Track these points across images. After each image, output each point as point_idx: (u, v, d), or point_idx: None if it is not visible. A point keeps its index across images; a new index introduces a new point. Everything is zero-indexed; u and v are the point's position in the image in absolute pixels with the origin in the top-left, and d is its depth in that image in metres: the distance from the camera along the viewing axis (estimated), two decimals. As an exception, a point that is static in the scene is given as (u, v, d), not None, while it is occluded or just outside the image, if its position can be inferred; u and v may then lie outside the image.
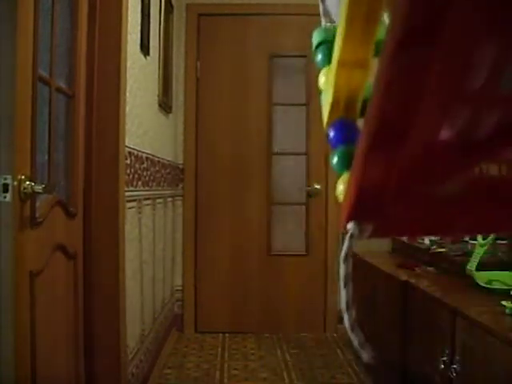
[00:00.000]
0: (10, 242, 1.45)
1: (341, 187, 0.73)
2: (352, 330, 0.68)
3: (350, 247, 0.75)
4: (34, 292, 1.58)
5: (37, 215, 1.60)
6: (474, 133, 0.58)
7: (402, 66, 0.51)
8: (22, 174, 1.49)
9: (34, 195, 1.55)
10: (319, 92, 0.85)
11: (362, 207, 0.65)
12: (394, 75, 0.51)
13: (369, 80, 0.73)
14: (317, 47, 0.89)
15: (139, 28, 2.60)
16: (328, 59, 0.85)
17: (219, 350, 3.54)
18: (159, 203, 3.23)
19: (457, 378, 1.87)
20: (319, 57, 0.87)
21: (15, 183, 1.46)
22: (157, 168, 3.09)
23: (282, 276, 3.93)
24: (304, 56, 3.67)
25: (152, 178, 2.95)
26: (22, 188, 1.48)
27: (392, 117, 0.54)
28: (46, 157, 1.76)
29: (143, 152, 2.71)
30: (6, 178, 1.44)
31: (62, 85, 1.91)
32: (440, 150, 0.58)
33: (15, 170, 1.46)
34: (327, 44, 0.86)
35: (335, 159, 0.76)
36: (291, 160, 3.94)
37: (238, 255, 3.94)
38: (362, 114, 0.78)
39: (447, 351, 1.96)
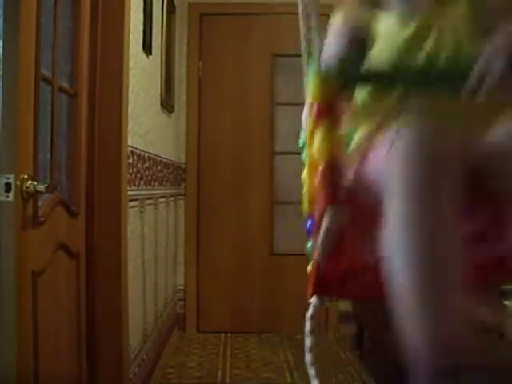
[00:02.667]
0: (12, 241, 1.45)
1: (309, 267, 1.03)
2: None
3: (313, 312, 1.12)
4: (36, 291, 1.58)
5: (39, 214, 1.60)
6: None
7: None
8: (25, 174, 1.49)
9: (36, 194, 1.55)
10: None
11: (319, 288, 1.02)
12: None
13: None
14: (302, 147, 1.09)
15: (141, 27, 2.60)
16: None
17: (221, 349, 3.54)
18: (161, 202, 3.23)
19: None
20: (303, 155, 1.08)
21: (18, 182, 1.46)
22: (159, 167, 3.09)
23: (285, 276, 3.93)
24: (306, 55, 3.67)
25: (154, 177, 2.95)
26: (24, 187, 1.48)
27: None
28: (49, 156, 1.76)
29: (145, 151, 2.71)
30: (8, 178, 1.44)
31: (65, 84, 1.91)
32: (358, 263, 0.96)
33: (18, 170, 1.46)
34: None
35: (309, 245, 1.03)
36: (293, 159, 3.93)
37: (240, 255, 3.94)
38: None
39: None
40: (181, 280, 3.93)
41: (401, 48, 0.96)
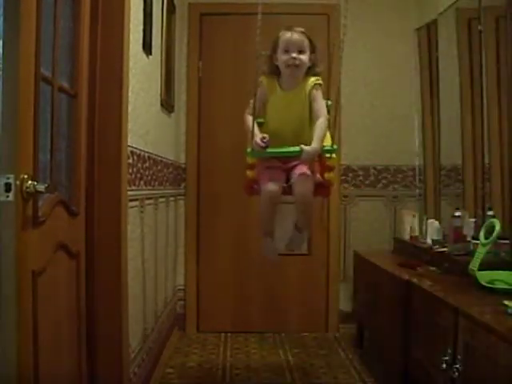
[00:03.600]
0: (12, 241, 1.45)
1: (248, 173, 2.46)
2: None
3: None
4: (36, 291, 1.58)
5: (39, 214, 1.60)
6: None
7: None
8: (25, 174, 1.49)
9: (36, 194, 1.55)
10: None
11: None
12: None
13: None
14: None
15: (141, 27, 2.60)
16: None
17: (221, 349, 3.54)
18: (161, 202, 3.23)
19: (459, 377, 1.87)
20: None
21: (18, 182, 1.46)
22: (159, 167, 3.09)
23: (284, 276, 3.93)
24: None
25: (154, 177, 2.96)
26: (24, 187, 1.48)
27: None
28: (49, 156, 1.76)
29: (145, 151, 2.71)
30: (8, 178, 1.44)
31: (65, 84, 1.91)
32: None
33: (18, 170, 1.47)
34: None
35: (248, 150, 2.38)
36: (293, 159, 3.93)
37: (240, 254, 3.94)
38: None
39: (449, 351, 1.96)
40: (181, 280, 3.93)
41: (280, 108, 2.30)
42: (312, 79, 2.26)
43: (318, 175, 2.28)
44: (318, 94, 2.26)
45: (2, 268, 1.44)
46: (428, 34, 3.72)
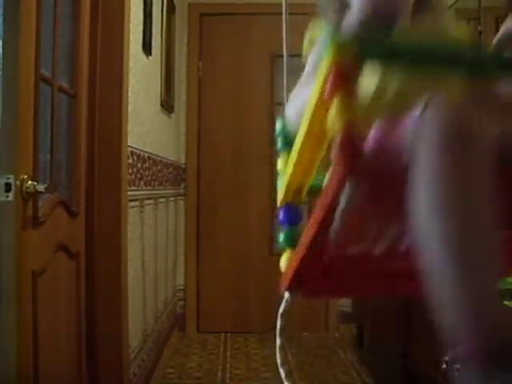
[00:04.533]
0: (12, 241, 1.45)
1: (283, 260, 1.05)
2: None
3: (285, 308, 1.14)
4: (36, 291, 1.58)
5: (39, 215, 1.60)
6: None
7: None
8: (25, 174, 1.49)
9: (36, 195, 1.55)
10: (277, 173, 1.13)
11: (295, 284, 1.02)
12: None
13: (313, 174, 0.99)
14: (278, 135, 1.15)
15: (141, 28, 2.60)
16: (285, 147, 1.11)
17: (221, 349, 3.54)
18: (161, 203, 3.23)
19: (459, 377, 1.87)
20: (279, 144, 1.14)
21: (18, 183, 1.46)
22: (159, 167, 3.09)
23: (284, 276, 3.92)
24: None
25: (154, 177, 2.95)
26: (24, 187, 1.48)
27: (318, 240, 0.86)
28: (49, 156, 1.76)
29: (145, 151, 2.71)
30: (8, 178, 1.44)
31: (65, 85, 1.91)
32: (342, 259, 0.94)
33: (18, 170, 1.47)
34: (285, 134, 1.12)
35: (281, 237, 1.07)
36: (293, 160, 3.93)
37: (240, 255, 3.94)
38: (306, 196, 1.07)
39: (450, 351, 1.96)
40: (181, 280, 3.93)
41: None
42: None
43: None
44: None
45: (2, 268, 1.44)
46: (428, 34, 3.71)
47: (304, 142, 0.89)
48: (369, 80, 0.75)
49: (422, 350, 2.31)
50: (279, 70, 3.94)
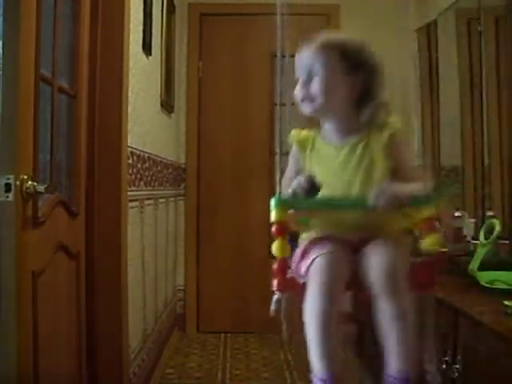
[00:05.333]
0: (12, 241, 1.46)
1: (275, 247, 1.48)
2: None
3: (276, 305, 1.56)
4: (36, 291, 1.58)
5: (39, 215, 1.60)
6: None
7: None
8: (25, 174, 1.49)
9: (36, 195, 1.55)
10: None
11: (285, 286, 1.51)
12: None
13: None
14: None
15: (141, 28, 2.60)
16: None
17: (221, 349, 3.54)
18: (161, 203, 3.23)
19: (459, 377, 1.87)
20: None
21: (18, 183, 1.46)
22: (159, 168, 3.09)
23: (284, 276, 3.92)
24: (306, 56, 3.67)
25: (154, 177, 2.96)
26: (24, 188, 1.48)
27: None
28: (49, 157, 1.76)
29: (145, 152, 2.71)
30: (8, 178, 1.44)
31: (65, 85, 1.91)
32: None
33: (18, 170, 1.47)
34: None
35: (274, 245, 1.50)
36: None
37: (240, 255, 3.94)
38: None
39: (449, 351, 1.96)
40: (181, 280, 3.93)
41: (335, 170, 1.37)
42: (391, 121, 1.37)
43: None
44: (404, 148, 1.39)
45: (2, 268, 1.45)
46: (428, 34, 3.72)
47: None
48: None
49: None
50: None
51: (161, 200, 3.21)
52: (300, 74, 1.46)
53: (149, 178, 2.82)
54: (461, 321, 1.91)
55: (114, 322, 2.20)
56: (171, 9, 3.42)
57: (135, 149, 2.48)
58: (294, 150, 1.50)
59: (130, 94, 2.33)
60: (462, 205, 3.09)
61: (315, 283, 1.34)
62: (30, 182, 1.50)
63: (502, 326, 1.69)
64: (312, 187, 1.32)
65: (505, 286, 2.16)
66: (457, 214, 2.77)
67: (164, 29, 3.19)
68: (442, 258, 1.39)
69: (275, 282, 1.51)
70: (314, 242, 1.40)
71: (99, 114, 2.15)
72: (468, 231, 2.75)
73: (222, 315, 3.93)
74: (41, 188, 1.53)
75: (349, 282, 1.36)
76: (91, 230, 2.14)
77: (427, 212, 1.29)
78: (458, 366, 1.88)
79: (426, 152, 3.79)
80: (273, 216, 1.40)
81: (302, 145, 1.47)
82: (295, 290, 1.49)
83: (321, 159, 1.42)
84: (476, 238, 2.48)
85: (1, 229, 1.45)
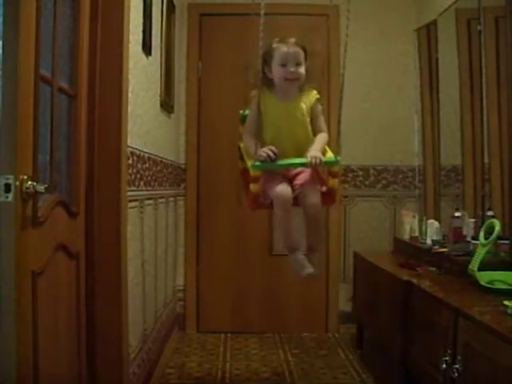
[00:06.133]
0: (12, 241, 1.46)
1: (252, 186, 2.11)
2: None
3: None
4: (36, 291, 1.58)
5: (39, 215, 1.61)
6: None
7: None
8: (24, 174, 1.49)
9: (36, 195, 1.55)
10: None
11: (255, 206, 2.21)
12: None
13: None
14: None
15: (141, 28, 2.60)
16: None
17: (221, 349, 3.54)
18: (161, 203, 3.23)
19: (459, 377, 1.87)
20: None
21: (17, 183, 1.46)
22: (159, 168, 3.09)
23: (284, 276, 3.92)
24: (306, 56, 3.67)
25: (154, 177, 2.96)
26: (24, 188, 1.48)
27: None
28: (48, 157, 1.76)
29: (145, 152, 2.71)
30: (8, 178, 1.44)
31: (64, 85, 1.91)
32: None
33: (17, 170, 1.47)
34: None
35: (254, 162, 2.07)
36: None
37: (239, 255, 3.94)
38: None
39: (449, 351, 1.96)
40: (180, 280, 3.93)
41: (280, 116, 2.15)
42: (313, 93, 2.21)
43: (321, 186, 2.18)
44: (319, 110, 2.22)
45: (2, 268, 1.45)
46: (428, 35, 3.72)
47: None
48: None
49: (421, 350, 2.31)
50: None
51: (161, 200, 3.21)
52: (290, 62, 2.14)
53: (149, 178, 2.82)
54: (460, 321, 1.92)
55: (113, 322, 2.20)
56: (171, 9, 3.42)
57: (135, 149, 2.48)
58: (255, 99, 2.15)
59: (129, 93, 2.33)
60: (461, 204, 3.10)
61: (276, 201, 2.09)
62: (29, 182, 1.50)
63: (501, 325, 1.69)
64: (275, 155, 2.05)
65: (505, 286, 2.17)
66: (457, 214, 2.77)
67: (164, 29, 3.19)
68: (336, 190, 2.21)
69: (249, 204, 2.25)
70: (270, 177, 2.12)
71: (99, 114, 2.15)
72: (468, 231, 2.75)
73: (221, 315, 3.93)
74: (41, 188, 1.53)
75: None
76: (91, 230, 2.14)
77: (334, 168, 2.12)
78: (457, 366, 1.88)
79: (426, 151, 3.79)
80: (251, 172, 2.08)
81: (263, 97, 2.14)
82: (261, 207, 2.22)
83: (271, 107, 2.15)
84: (476, 237, 2.48)
85: (1, 229, 1.45)
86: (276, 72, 2.16)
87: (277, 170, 2.11)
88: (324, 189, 2.16)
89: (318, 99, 2.21)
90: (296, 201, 2.11)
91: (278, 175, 2.13)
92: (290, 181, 2.13)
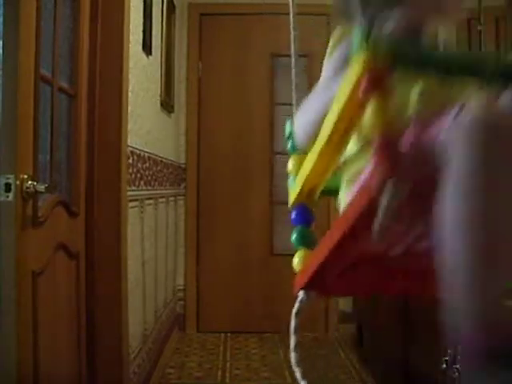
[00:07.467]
0: (12, 241, 1.45)
1: (296, 260, 1.13)
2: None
3: (299, 307, 1.18)
4: (36, 291, 1.58)
5: (39, 215, 1.60)
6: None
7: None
8: (25, 174, 1.49)
9: (36, 195, 1.55)
10: (287, 174, 1.22)
11: (312, 283, 1.05)
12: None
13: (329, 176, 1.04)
14: (288, 137, 1.19)
15: (141, 28, 2.60)
16: (296, 149, 1.16)
17: (221, 349, 3.54)
18: (161, 203, 3.23)
19: (459, 377, 1.87)
20: (289, 145, 1.18)
21: (17, 183, 1.46)
22: (159, 167, 3.09)
23: (284, 276, 3.91)
24: (305, 56, 3.67)
25: (154, 177, 2.95)
26: (24, 187, 1.48)
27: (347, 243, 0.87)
28: (48, 156, 1.76)
29: (145, 151, 2.71)
30: (8, 178, 1.44)
31: (64, 84, 1.91)
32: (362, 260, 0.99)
33: (17, 170, 1.47)
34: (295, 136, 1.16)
35: (294, 236, 1.17)
36: (293, 160, 3.93)
37: (240, 255, 3.94)
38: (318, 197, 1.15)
39: (449, 351, 1.96)
40: (181, 280, 3.93)
41: None
42: None
43: None
44: None
45: (2, 268, 1.44)
46: (428, 34, 3.71)
47: (327, 144, 0.91)
48: (405, 85, 0.85)
49: (421, 350, 2.31)
50: (279, 69, 3.94)
51: (161, 200, 3.21)
52: None
53: (149, 178, 2.82)
54: (461, 321, 1.91)
55: (113, 322, 2.19)
56: (171, 9, 3.42)
57: (135, 148, 2.48)
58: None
59: (129, 93, 2.33)
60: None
61: None
62: (29, 182, 1.50)
63: (501, 325, 1.69)
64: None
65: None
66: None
67: (164, 29, 3.18)
68: None
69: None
70: None
71: (99, 114, 2.15)
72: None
73: (222, 315, 3.93)
74: (41, 188, 1.53)
75: None
76: (91, 230, 2.14)
77: None
78: (458, 366, 1.88)
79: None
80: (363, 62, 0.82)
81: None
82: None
83: None
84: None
85: (1, 229, 1.45)
86: None
87: None
88: None
89: None
90: None
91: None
92: None
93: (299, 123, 1.16)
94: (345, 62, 0.96)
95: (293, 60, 1.42)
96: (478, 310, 0.74)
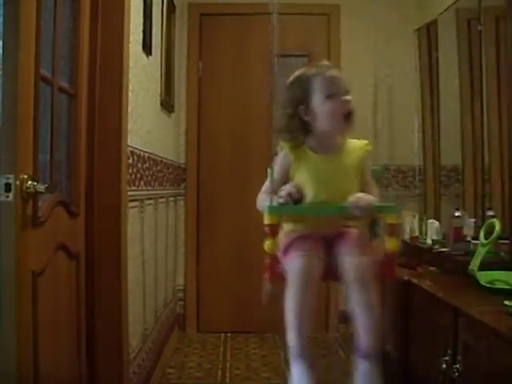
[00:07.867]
0: (12, 241, 1.46)
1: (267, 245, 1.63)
2: None
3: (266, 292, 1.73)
4: (36, 291, 1.58)
5: (39, 215, 1.60)
6: None
7: None
8: (25, 174, 1.49)
9: (36, 195, 1.55)
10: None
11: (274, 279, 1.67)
12: None
13: None
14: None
15: (141, 28, 2.60)
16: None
17: (221, 349, 3.54)
18: (161, 203, 3.23)
19: (459, 377, 1.87)
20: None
21: (17, 183, 1.46)
22: (159, 167, 3.09)
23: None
24: (306, 56, 3.67)
25: (154, 177, 2.95)
26: (24, 187, 1.48)
27: None
28: (49, 156, 1.76)
29: (145, 151, 2.71)
30: (8, 178, 1.44)
31: (64, 84, 1.91)
32: None
33: (17, 170, 1.47)
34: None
35: (267, 242, 1.63)
36: (293, 160, 3.93)
37: (240, 255, 3.94)
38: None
39: (449, 351, 1.96)
40: (181, 280, 3.93)
41: (324, 176, 1.64)
42: (364, 142, 1.76)
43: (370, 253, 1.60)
44: (369, 165, 1.76)
45: (2, 268, 1.45)
46: (428, 35, 3.72)
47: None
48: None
49: (421, 350, 2.31)
50: (279, 69, 3.94)
51: (161, 200, 3.21)
52: (340, 91, 1.71)
53: (149, 178, 2.82)
54: (461, 320, 1.91)
55: (114, 322, 2.19)
56: (171, 9, 3.42)
57: (135, 148, 2.48)
58: (283, 155, 1.77)
59: (130, 93, 2.33)
60: (462, 204, 3.09)
61: (293, 283, 1.54)
62: (29, 182, 1.50)
63: (502, 325, 1.69)
64: (300, 196, 1.59)
65: (505, 286, 2.17)
66: (457, 214, 2.77)
67: (164, 29, 3.19)
68: (396, 255, 1.63)
69: (267, 275, 1.68)
70: (294, 239, 1.63)
71: (99, 114, 2.15)
72: (468, 231, 2.75)
73: (222, 315, 3.93)
74: (41, 188, 1.53)
75: (324, 273, 1.59)
76: (91, 230, 2.14)
77: (391, 218, 1.56)
78: (457, 366, 1.88)
79: (426, 151, 3.79)
80: (266, 220, 1.60)
81: (293, 152, 1.72)
82: (282, 281, 1.61)
83: (308, 166, 1.66)
84: (476, 237, 2.48)
85: (1, 229, 1.45)
86: (322, 107, 1.67)
87: (306, 225, 1.65)
88: (377, 257, 1.60)
89: (369, 151, 1.73)
90: (333, 274, 1.60)
91: (311, 235, 1.62)
92: (330, 243, 1.62)
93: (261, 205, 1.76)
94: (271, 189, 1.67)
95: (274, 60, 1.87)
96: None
